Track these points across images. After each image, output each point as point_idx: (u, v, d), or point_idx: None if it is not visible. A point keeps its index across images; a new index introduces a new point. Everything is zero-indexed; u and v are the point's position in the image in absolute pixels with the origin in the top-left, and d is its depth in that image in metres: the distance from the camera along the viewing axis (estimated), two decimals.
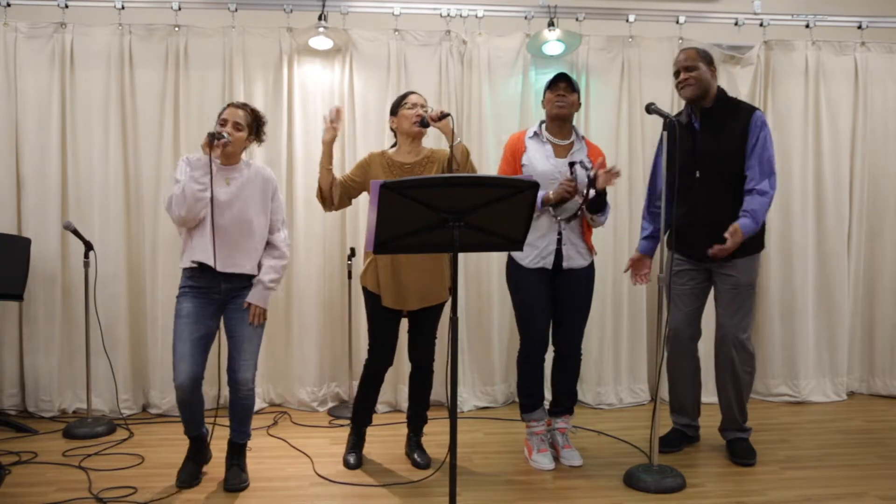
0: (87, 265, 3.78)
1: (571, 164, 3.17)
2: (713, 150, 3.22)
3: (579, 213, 3.20)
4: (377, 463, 3.32)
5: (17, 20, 3.95)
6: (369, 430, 3.56)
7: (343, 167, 4.03)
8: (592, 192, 3.10)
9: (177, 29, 4.00)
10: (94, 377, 3.90)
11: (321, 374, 4.17)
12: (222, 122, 2.99)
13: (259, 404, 4.12)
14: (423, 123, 3.10)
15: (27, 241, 3.80)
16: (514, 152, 3.27)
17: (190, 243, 2.97)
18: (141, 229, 4.03)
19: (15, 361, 3.99)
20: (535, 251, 3.21)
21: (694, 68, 3.20)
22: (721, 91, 3.29)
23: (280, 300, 4.14)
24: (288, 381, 4.18)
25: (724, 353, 3.30)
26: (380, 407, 4.12)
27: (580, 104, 3.31)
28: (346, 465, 3.27)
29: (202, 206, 2.91)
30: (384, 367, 3.23)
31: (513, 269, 3.29)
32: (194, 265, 2.96)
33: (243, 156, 3.13)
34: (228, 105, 3.06)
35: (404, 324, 3.27)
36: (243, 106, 3.06)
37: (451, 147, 3.02)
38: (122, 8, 3.97)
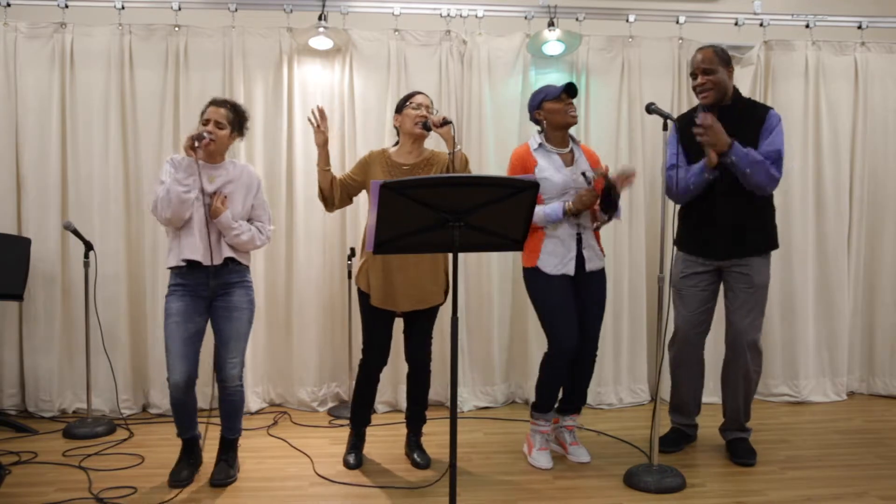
0: (87, 265, 3.78)
1: (584, 174, 3.18)
2: None
3: (603, 221, 3.26)
4: (377, 463, 3.32)
5: (17, 20, 3.95)
6: (369, 430, 3.56)
7: (343, 167, 4.03)
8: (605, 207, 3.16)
9: (177, 29, 4.00)
10: (94, 377, 3.90)
11: (321, 374, 4.17)
12: (205, 122, 3.01)
13: (259, 404, 4.12)
14: (426, 126, 3.09)
15: (27, 241, 3.80)
16: (526, 167, 3.21)
17: (178, 242, 2.99)
18: (141, 229, 4.03)
19: (15, 361, 3.99)
20: (556, 259, 3.18)
21: (713, 71, 3.16)
22: (736, 90, 3.27)
23: (280, 300, 4.14)
24: (288, 381, 4.18)
25: (738, 355, 3.26)
26: (379, 407, 4.12)
27: None
28: (346, 465, 3.27)
29: (187, 208, 2.93)
30: (378, 366, 3.23)
31: (533, 276, 3.22)
32: (182, 264, 2.98)
33: (228, 154, 3.14)
34: (210, 103, 3.06)
35: (400, 324, 3.27)
36: (224, 103, 3.07)
37: (451, 154, 3.00)
38: (122, 8, 3.97)
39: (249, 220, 3.10)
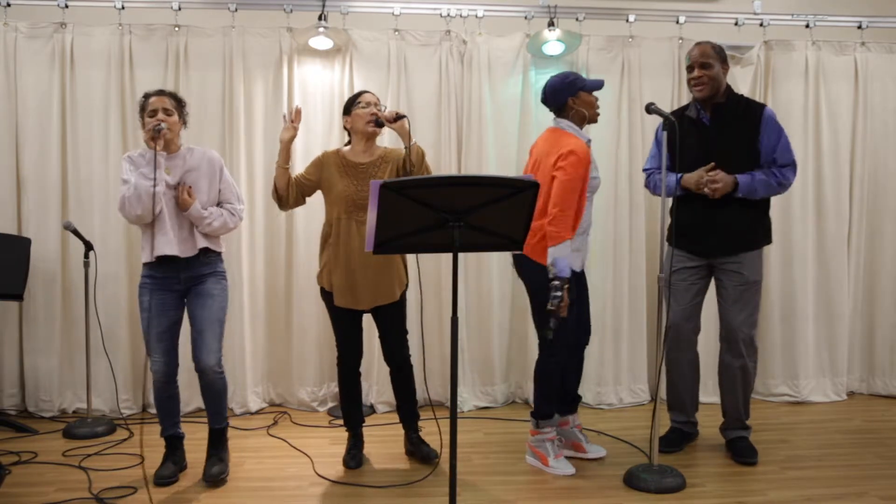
0: (87, 265, 3.78)
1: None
2: (727, 147, 3.21)
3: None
4: (377, 463, 3.32)
5: (17, 20, 3.95)
6: (369, 431, 3.56)
7: None
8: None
9: (177, 29, 4.00)
10: (94, 377, 3.90)
11: (321, 374, 4.17)
12: (151, 113, 2.97)
13: (259, 404, 4.12)
14: (378, 123, 3.12)
15: (27, 241, 3.80)
16: (588, 164, 3.05)
17: (150, 238, 2.99)
18: (140, 229, 4.02)
19: (15, 361, 3.99)
20: (581, 254, 3.16)
21: (710, 66, 3.20)
22: (729, 87, 3.29)
23: (280, 300, 4.14)
24: (288, 381, 4.18)
25: (735, 352, 3.28)
26: (379, 406, 4.12)
27: None
28: (346, 465, 3.27)
29: (156, 203, 2.94)
30: (355, 360, 3.27)
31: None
32: (154, 259, 2.99)
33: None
34: (151, 95, 3.03)
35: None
36: (163, 92, 3.05)
37: (408, 149, 3.03)
38: (122, 8, 3.97)
39: (219, 204, 3.10)
